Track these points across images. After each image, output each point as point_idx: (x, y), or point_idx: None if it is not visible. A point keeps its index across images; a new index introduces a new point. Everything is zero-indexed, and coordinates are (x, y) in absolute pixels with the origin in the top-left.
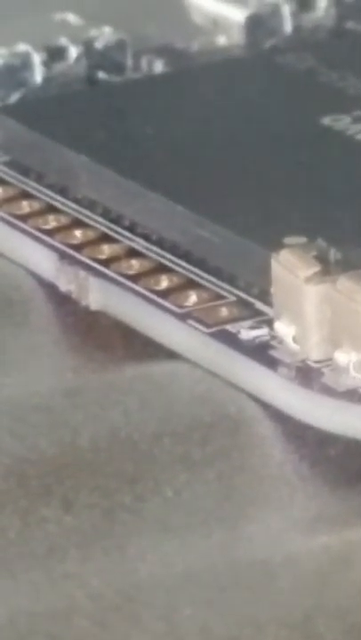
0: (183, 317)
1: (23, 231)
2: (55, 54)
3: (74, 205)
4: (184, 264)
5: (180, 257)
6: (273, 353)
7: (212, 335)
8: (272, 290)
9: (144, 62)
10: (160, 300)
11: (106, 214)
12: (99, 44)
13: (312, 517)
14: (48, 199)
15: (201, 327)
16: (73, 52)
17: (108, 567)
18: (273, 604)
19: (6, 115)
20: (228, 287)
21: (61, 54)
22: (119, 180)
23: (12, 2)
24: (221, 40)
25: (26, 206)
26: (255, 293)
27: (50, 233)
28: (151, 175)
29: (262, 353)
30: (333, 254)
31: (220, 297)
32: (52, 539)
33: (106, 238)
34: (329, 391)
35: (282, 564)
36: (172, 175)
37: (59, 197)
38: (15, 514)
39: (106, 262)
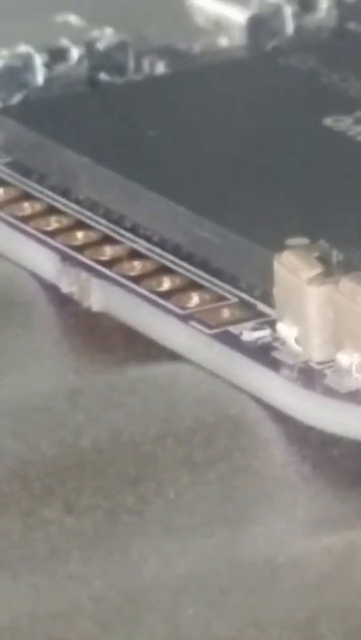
0: (185, 319)
1: (25, 232)
2: (57, 55)
3: (75, 207)
4: (186, 265)
5: (182, 258)
6: (275, 354)
7: (215, 336)
8: (274, 291)
9: (146, 63)
10: (162, 302)
11: (108, 215)
12: (100, 46)
13: (315, 519)
14: (50, 200)
15: (203, 328)
16: (74, 53)
17: (111, 569)
18: (276, 605)
19: (8, 116)
20: (230, 288)
21: (63, 55)
22: (121, 181)
23: (14, 3)
24: (223, 41)
25: (27, 207)
26: (257, 295)
27: (51, 234)
28: (153, 176)
29: (265, 354)
30: (336, 255)
31: (223, 298)
32: (54, 540)
33: (108, 240)
34: (331, 392)
35: (284, 566)
36: (175, 176)
37: (60, 199)
38: (17, 516)
39: (108, 264)
